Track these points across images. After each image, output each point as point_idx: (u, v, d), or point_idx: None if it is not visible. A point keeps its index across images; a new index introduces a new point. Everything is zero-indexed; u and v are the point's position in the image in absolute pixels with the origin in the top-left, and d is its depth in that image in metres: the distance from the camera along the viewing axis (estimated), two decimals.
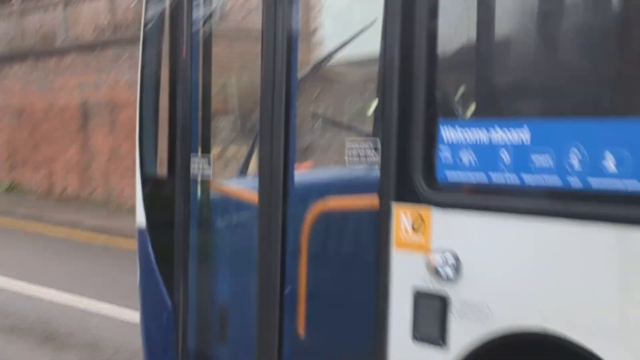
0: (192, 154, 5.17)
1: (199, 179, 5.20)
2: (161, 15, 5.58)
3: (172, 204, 5.29)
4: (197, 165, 5.16)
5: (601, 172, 3.15)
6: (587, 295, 3.17)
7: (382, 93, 3.92)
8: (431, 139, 3.75)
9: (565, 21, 3.59)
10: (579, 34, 3.53)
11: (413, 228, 3.82)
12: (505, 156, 3.49)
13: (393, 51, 3.82)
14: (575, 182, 3.21)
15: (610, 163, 3.14)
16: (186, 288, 5.37)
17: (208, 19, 5.26)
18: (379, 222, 3.90)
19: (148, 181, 5.61)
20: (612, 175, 3.12)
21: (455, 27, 3.85)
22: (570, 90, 3.50)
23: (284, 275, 4.57)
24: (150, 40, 5.68)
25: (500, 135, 3.51)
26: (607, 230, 3.09)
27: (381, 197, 3.89)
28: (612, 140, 3.11)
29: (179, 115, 5.22)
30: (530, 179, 3.38)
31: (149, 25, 5.68)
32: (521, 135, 3.42)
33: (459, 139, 3.65)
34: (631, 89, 3.34)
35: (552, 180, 3.30)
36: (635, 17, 3.35)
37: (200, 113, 5.23)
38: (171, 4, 5.37)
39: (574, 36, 3.56)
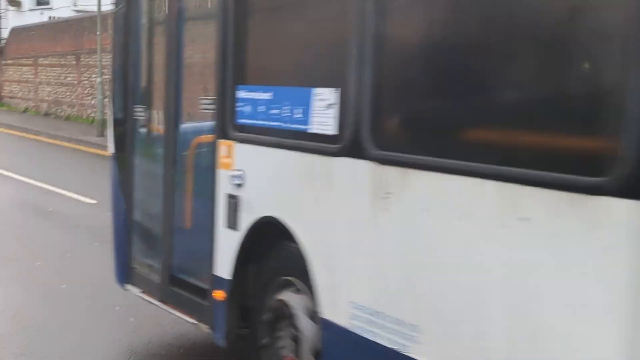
0: (135, 105, 7.43)
1: (139, 121, 7.38)
2: (122, 10, 7.55)
3: (124, 137, 7.52)
4: (138, 113, 7.37)
5: (296, 120, 5.19)
6: (299, 195, 5.24)
7: (215, 72, 6.04)
8: (233, 99, 5.76)
9: (290, 22, 5.64)
10: (292, 32, 5.59)
11: (227, 155, 5.77)
12: (262, 109, 5.53)
13: (220, 45, 6.03)
14: (286, 125, 5.33)
15: (299, 114, 5.15)
16: (129, 197, 7.43)
17: (149, 15, 7.46)
18: (214, 152, 6.03)
19: (114, 122, 7.64)
20: (300, 122, 5.14)
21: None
22: (283, 72, 5.69)
23: (174, 183, 6.81)
24: (115, 27, 7.70)
25: (260, 95, 5.53)
26: (310, 156, 5.13)
27: (215, 136, 6.04)
28: (300, 100, 5.20)
29: (130, 80, 7.50)
30: (272, 124, 5.45)
31: (115, 17, 7.72)
32: (267, 96, 5.50)
33: (244, 98, 5.68)
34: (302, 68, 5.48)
35: (279, 124, 5.39)
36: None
37: (143, 79, 7.45)
38: (125, 5, 7.52)
39: (290, 34, 5.60)
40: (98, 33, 24.59)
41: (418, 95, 4.56)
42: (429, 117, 4.48)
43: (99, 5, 24.62)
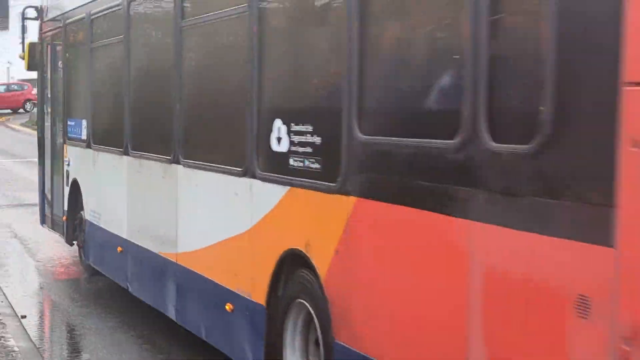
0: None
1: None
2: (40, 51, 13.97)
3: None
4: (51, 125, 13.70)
5: (75, 134, 12.08)
6: (83, 168, 11.91)
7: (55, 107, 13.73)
8: (66, 123, 12.43)
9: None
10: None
11: (65, 150, 12.61)
12: (72, 128, 12.23)
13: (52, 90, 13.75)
14: (76, 136, 12.18)
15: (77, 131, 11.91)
16: (43, 175, 14.04)
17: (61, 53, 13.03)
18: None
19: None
20: (77, 134, 12.02)
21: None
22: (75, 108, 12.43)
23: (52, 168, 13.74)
24: (39, 64, 14.05)
25: (71, 122, 12.27)
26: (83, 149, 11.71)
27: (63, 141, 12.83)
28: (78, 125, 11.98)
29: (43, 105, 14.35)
30: (74, 136, 12.14)
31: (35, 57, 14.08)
32: (73, 123, 12.13)
33: (69, 124, 12.39)
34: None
35: (75, 135, 12.06)
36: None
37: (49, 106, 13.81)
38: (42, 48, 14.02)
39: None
40: None
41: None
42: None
43: None
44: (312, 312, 5.97)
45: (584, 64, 3.82)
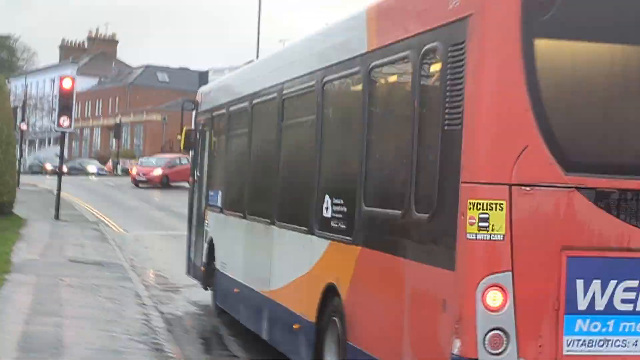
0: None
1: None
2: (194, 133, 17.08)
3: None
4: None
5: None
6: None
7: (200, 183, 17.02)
8: (208, 194, 16.09)
9: None
10: None
11: (205, 214, 16.09)
12: (213, 197, 15.64)
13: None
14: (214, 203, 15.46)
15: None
16: (190, 235, 17.38)
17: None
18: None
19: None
20: None
21: None
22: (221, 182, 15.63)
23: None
24: (192, 146, 17.15)
25: (212, 193, 15.77)
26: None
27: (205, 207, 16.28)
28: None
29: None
30: (214, 204, 15.54)
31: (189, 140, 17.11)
32: (213, 193, 15.73)
33: (210, 195, 15.85)
34: None
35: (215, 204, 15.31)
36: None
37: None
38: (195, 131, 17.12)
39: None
40: None
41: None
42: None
43: None
44: (337, 324, 8.97)
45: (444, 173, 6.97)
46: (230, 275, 13.86)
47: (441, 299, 6.84)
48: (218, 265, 14.68)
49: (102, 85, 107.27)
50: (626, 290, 6.69)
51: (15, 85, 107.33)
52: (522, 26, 6.50)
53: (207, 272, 15.30)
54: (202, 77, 66.58)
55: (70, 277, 17.72)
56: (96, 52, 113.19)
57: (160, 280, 19.70)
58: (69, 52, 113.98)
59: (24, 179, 55.07)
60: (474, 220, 6.48)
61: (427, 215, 7.13)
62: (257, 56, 60.88)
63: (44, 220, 30.85)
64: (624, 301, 6.70)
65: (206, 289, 15.73)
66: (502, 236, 6.51)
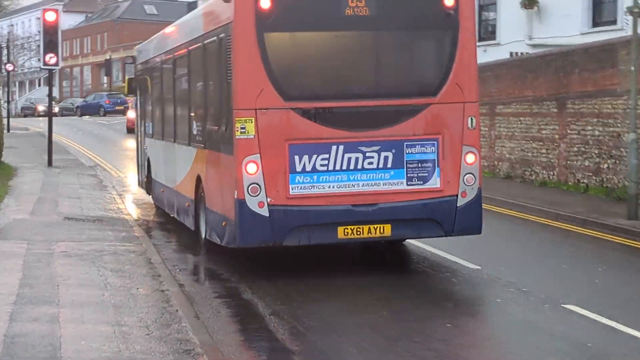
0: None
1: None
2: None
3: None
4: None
5: None
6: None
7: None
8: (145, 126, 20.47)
9: None
10: None
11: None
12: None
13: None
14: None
15: None
16: (137, 158, 22.05)
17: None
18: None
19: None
20: None
21: None
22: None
23: None
24: (134, 91, 21.55)
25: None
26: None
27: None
28: None
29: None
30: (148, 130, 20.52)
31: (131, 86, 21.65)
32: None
33: (147, 124, 20.31)
34: None
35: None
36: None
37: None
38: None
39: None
40: (633, 68, 17.45)
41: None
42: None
43: (636, 27, 17.01)
44: (203, 197, 13.93)
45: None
46: (158, 181, 18.46)
47: (230, 171, 12.08)
48: (153, 175, 19.17)
49: (89, 21, 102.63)
50: (322, 159, 11.93)
51: (1, 26, 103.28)
52: (256, 26, 11.87)
53: (147, 182, 19.89)
54: (191, 8, 62.58)
55: (66, 242, 14.54)
56: None
57: (174, 237, 16.58)
58: None
59: (14, 122, 51.73)
60: (237, 129, 11.83)
61: (224, 128, 12.48)
62: None
63: (36, 168, 27.57)
64: (321, 165, 11.93)
65: (148, 194, 20.29)
66: (253, 136, 11.82)
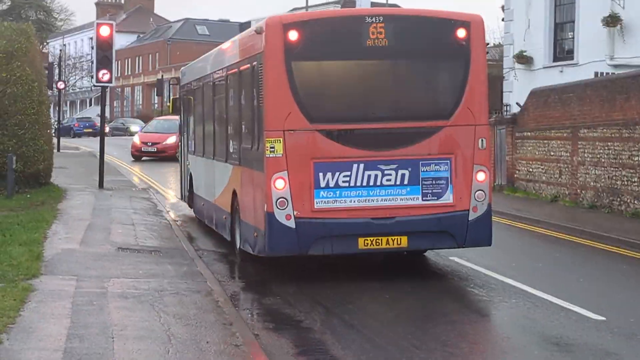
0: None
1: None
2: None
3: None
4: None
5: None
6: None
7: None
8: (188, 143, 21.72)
9: None
10: None
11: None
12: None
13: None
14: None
15: None
16: (181, 173, 23.13)
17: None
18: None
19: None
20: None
21: None
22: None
23: None
24: (178, 111, 22.50)
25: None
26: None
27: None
28: None
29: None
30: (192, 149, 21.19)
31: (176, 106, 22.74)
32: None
33: (190, 142, 21.12)
34: None
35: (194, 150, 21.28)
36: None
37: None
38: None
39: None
40: None
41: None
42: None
43: None
44: (238, 211, 14.74)
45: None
46: (199, 195, 19.23)
47: (261, 187, 13.05)
48: (194, 189, 19.92)
49: (141, 41, 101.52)
50: (344, 176, 12.86)
51: (54, 46, 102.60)
52: (285, 56, 12.87)
53: (189, 196, 20.63)
54: (243, 28, 61.01)
55: (121, 279, 12.59)
56: (133, 7, 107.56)
57: (239, 271, 14.59)
58: (105, 9, 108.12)
59: (64, 142, 50.23)
60: (267, 148, 12.80)
61: (256, 147, 13.44)
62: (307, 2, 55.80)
63: (87, 190, 25.73)
64: (343, 182, 12.86)
65: (190, 207, 20.86)
66: (281, 154, 12.78)
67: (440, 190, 13.00)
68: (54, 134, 50.90)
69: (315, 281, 13.31)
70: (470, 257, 14.86)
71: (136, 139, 41.45)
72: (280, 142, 12.70)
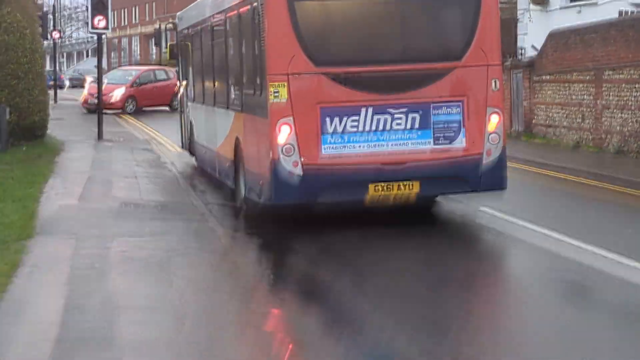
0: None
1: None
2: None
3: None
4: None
5: None
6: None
7: None
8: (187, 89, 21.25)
9: None
10: None
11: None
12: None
13: None
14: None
15: None
16: (180, 120, 22.20)
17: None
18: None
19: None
20: None
21: None
22: None
23: None
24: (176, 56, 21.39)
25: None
26: None
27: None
28: None
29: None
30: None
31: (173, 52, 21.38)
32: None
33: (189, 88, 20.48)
34: None
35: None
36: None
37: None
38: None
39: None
40: None
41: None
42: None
43: None
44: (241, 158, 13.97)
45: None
46: (201, 143, 18.31)
47: (266, 133, 12.15)
48: (195, 138, 19.18)
49: None
50: (352, 121, 12.09)
51: None
52: None
53: (190, 144, 20.00)
54: None
55: (125, 239, 11.26)
56: None
57: (258, 225, 13.31)
58: None
59: (62, 93, 48.73)
60: (271, 93, 11.96)
61: (259, 92, 12.55)
62: None
63: (85, 142, 24.37)
64: (351, 127, 12.10)
65: (191, 156, 19.91)
66: (286, 100, 11.96)
67: (453, 134, 12.47)
68: (49, 85, 49.56)
69: (338, 242, 11.99)
70: (507, 210, 13.56)
71: (85, 91, 39.62)
72: (284, 87, 12.03)
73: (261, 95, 12.44)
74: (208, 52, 16.92)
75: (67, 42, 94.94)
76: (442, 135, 12.43)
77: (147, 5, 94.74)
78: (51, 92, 39.19)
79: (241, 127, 13.96)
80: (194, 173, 19.24)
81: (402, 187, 12.34)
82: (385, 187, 12.28)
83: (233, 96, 14.64)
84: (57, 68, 48.61)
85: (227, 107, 14.99)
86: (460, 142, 12.49)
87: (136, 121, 33.14)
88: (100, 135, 25.24)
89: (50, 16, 45.98)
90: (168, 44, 22.10)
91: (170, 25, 22.48)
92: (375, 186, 12.22)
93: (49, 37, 43.10)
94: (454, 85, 12.52)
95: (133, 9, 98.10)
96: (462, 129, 12.49)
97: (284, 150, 11.96)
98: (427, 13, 12.96)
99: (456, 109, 12.48)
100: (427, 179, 12.40)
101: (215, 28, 16.13)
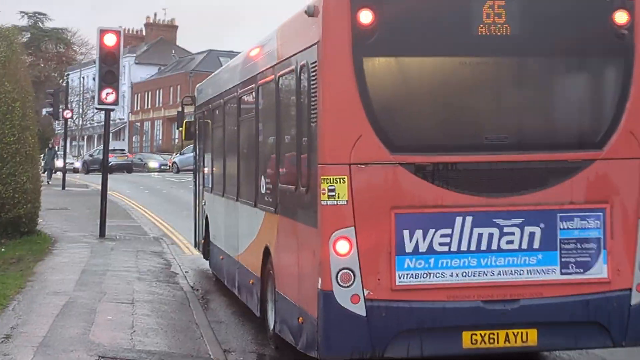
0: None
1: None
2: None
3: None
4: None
5: None
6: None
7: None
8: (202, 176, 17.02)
9: None
10: None
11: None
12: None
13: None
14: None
15: None
16: (195, 213, 17.92)
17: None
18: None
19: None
20: None
21: None
22: None
23: None
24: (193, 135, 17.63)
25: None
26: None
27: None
28: None
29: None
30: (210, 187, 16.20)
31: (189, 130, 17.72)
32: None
33: (206, 175, 16.67)
34: None
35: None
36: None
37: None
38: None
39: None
40: None
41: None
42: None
43: None
44: (273, 276, 10.41)
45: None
46: (217, 245, 14.76)
47: (312, 249, 8.58)
48: (211, 237, 15.45)
49: (162, 73, 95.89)
50: (441, 236, 8.46)
51: (72, 79, 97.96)
52: (353, 48, 8.34)
53: (205, 244, 16.11)
54: None
55: None
56: (155, 39, 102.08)
57: None
58: (126, 41, 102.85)
59: (76, 177, 44.56)
60: (324, 191, 8.30)
61: (304, 188, 8.88)
62: None
63: (83, 241, 19.79)
64: (440, 245, 8.47)
65: (205, 259, 16.21)
66: (346, 201, 8.31)
67: (589, 259, 8.85)
68: (54, 170, 45.21)
69: None
70: None
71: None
72: (344, 183, 8.33)
73: (307, 193, 8.83)
74: (232, 131, 13.32)
75: (88, 125, 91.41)
76: (573, 260, 8.79)
77: (171, 88, 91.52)
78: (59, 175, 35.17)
79: (274, 233, 10.29)
80: (212, 288, 14.71)
81: (510, 337, 8.66)
82: (486, 337, 8.62)
83: (264, 190, 10.95)
84: (67, 150, 44.46)
85: (255, 204, 11.34)
86: (600, 271, 8.82)
87: (150, 213, 28.59)
88: (102, 232, 20.71)
89: (61, 95, 41.85)
90: (184, 122, 17.99)
91: (188, 99, 18.38)
92: (472, 335, 8.59)
93: (60, 117, 38.99)
94: (592, 186, 8.86)
95: (157, 92, 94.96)
96: (602, 251, 8.82)
97: (339, 277, 8.29)
98: (555, 80, 9.12)
99: (594, 222, 8.83)
100: (549, 325, 8.70)
101: (242, 100, 12.49)
